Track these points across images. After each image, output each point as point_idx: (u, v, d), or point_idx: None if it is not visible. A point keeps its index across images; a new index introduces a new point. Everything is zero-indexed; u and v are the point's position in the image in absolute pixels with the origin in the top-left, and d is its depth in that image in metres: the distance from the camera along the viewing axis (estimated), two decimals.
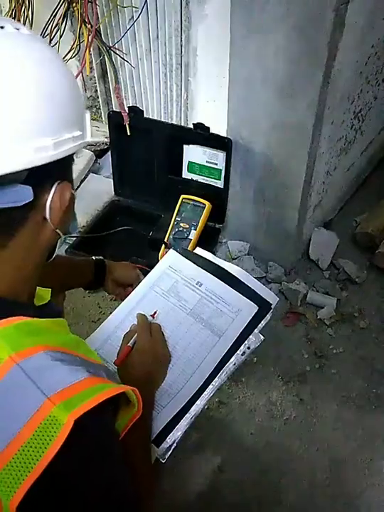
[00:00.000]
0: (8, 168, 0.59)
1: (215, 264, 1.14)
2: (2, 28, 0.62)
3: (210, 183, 2.01)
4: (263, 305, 1.07)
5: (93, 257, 1.26)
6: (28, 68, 0.62)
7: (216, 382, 1.00)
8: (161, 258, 1.42)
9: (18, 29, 0.64)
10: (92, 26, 1.89)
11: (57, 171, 0.67)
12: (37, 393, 0.57)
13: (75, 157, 0.72)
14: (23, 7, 2.09)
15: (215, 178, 1.99)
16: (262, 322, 1.05)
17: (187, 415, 0.96)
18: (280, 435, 1.74)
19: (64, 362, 0.62)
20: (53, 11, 2.00)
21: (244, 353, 1.02)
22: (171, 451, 0.95)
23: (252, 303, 1.07)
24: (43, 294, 0.85)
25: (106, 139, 2.39)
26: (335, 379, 1.89)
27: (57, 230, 0.71)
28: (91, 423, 0.59)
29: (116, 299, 1.24)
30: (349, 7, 1.52)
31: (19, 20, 2.15)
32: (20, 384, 0.58)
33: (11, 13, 2.10)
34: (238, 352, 1.02)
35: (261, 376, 1.89)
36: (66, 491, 0.58)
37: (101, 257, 1.27)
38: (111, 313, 1.12)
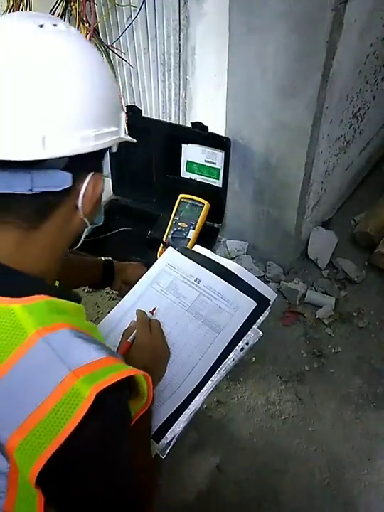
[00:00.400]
0: (56, 153, 0.64)
1: (214, 261, 1.14)
2: (41, 26, 0.66)
3: (209, 183, 2.00)
4: (261, 301, 1.07)
5: (102, 258, 1.26)
6: (79, 64, 0.67)
7: (215, 377, 1.00)
8: (159, 257, 1.42)
9: (55, 25, 0.67)
10: (90, 25, 1.89)
11: (93, 162, 0.72)
12: (61, 366, 0.60)
13: (109, 152, 0.77)
14: (21, 5, 2.08)
15: (213, 178, 1.99)
16: (261, 318, 1.06)
17: (186, 411, 0.97)
18: (279, 435, 1.74)
19: (86, 340, 0.65)
20: (51, 10, 1.99)
21: (242, 348, 1.03)
22: (170, 446, 0.96)
23: (251, 299, 1.07)
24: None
25: None
26: (334, 378, 1.89)
27: (86, 219, 0.75)
28: (111, 399, 0.62)
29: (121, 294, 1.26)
30: (348, 6, 1.51)
31: None
32: (46, 357, 0.61)
33: (9, 11, 2.09)
34: (237, 348, 1.03)
35: (260, 376, 1.89)
36: (83, 462, 0.61)
37: (110, 258, 1.28)
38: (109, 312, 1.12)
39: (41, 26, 0.66)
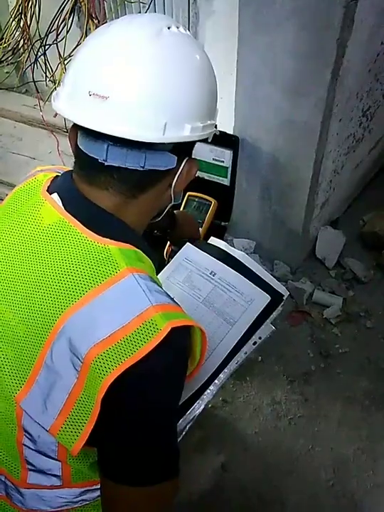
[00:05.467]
0: (172, 138, 0.74)
1: (229, 255, 1.14)
2: (169, 28, 0.74)
3: (217, 181, 2.00)
4: (275, 296, 1.08)
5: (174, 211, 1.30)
6: (195, 63, 0.76)
7: (228, 369, 1.01)
8: (165, 255, 1.42)
9: (178, 27, 0.76)
10: (99, 21, 1.89)
11: (191, 148, 0.83)
12: (145, 299, 0.70)
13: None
14: (30, 3, 2.09)
15: (221, 176, 1.98)
16: (274, 313, 1.07)
17: (199, 401, 0.98)
18: (284, 435, 1.73)
19: (160, 287, 0.76)
20: (60, 7, 1.99)
21: (255, 342, 1.04)
22: (181, 436, 0.96)
23: (265, 293, 1.08)
24: None
25: None
26: (340, 379, 1.88)
27: (172, 196, 0.84)
28: (181, 337, 0.71)
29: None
30: (358, 4, 1.50)
31: (25, 16, 2.15)
32: (134, 289, 0.71)
33: (18, 9, 2.09)
34: (250, 341, 1.04)
35: (266, 375, 1.88)
36: (149, 380, 0.69)
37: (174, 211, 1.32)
38: None
39: (169, 28, 0.75)
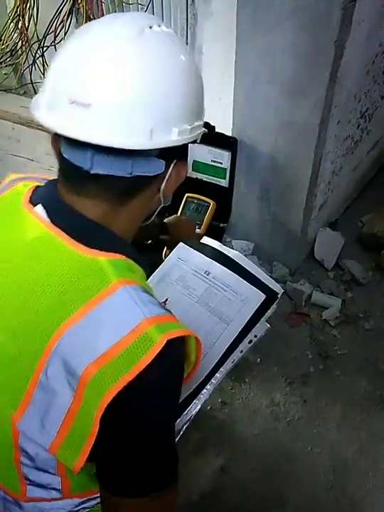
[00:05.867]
0: (159, 144, 0.72)
1: (223, 253, 1.14)
2: (151, 27, 0.71)
3: (215, 182, 1.99)
4: (270, 294, 1.07)
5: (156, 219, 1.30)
6: (181, 63, 0.74)
7: (224, 369, 1.01)
8: (164, 257, 1.41)
9: (160, 26, 0.73)
10: None
11: (180, 150, 0.78)
12: (139, 312, 0.68)
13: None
14: (28, 4, 2.09)
15: (220, 178, 1.98)
16: (269, 311, 1.06)
17: (195, 401, 0.98)
18: (283, 436, 1.73)
19: (153, 299, 0.74)
20: (58, 8, 1.99)
21: (251, 341, 1.04)
22: (178, 436, 0.96)
23: (260, 291, 1.07)
24: None
25: None
26: (339, 380, 1.88)
27: (162, 199, 0.82)
28: (176, 349, 0.70)
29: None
30: (357, 5, 1.50)
31: (24, 18, 2.15)
32: (126, 302, 0.69)
33: (16, 10, 2.09)
34: (245, 340, 1.03)
35: (264, 377, 1.88)
36: (147, 395, 0.68)
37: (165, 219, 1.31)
38: None
39: (151, 27, 0.72)
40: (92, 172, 0.71)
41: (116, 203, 0.76)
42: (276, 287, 1.09)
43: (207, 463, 1.65)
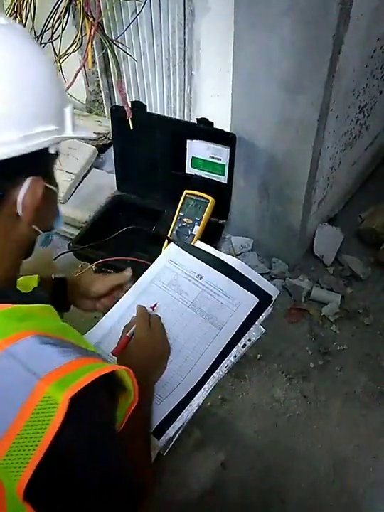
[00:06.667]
0: None
1: (216, 257, 1.14)
2: None
3: (214, 179, 1.99)
4: (264, 297, 1.07)
5: (53, 275, 1.12)
6: (2, 62, 0.60)
7: (217, 374, 1.00)
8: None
9: None
10: (94, 20, 1.87)
11: (30, 165, 0.64)
12: (29, 376, 0.57)
13: (58, 151, 0.69)
14: (25, 1, 2.07)
15: (218, 174, 1.97)
16: (263, 314, 1.05)
17: (188, 407, 0.97)
18: (284, 432, 1.73)
19: (53, 345, 0.62)
20: (55, 4, 1.98)
21: (244, 345, 1.02)
22: (171, 443, 0.95)
23: (253, 295, 1.07)
24: (29, 282, 0.86)
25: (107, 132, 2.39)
26: (339, 376, 1.88)
27: (34, 227, 0.69)
28: (86, 401, 0.59)
29: (98, 310, 1.15)
30: (354, 0, 1.50)
31: (21, 14, 2.14)
32: (11, 369, 0.58)
33: (13, 7, 2.08)
34: (239, 344, 1.02)
35: (264, 373, 1.88)
36: (69, 469, 0.58)
37: (63, 276, 1.13)
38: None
39: None
40: None
41: None
42: (271, 290, 1.08)
43: (207, 459, 1.65)
